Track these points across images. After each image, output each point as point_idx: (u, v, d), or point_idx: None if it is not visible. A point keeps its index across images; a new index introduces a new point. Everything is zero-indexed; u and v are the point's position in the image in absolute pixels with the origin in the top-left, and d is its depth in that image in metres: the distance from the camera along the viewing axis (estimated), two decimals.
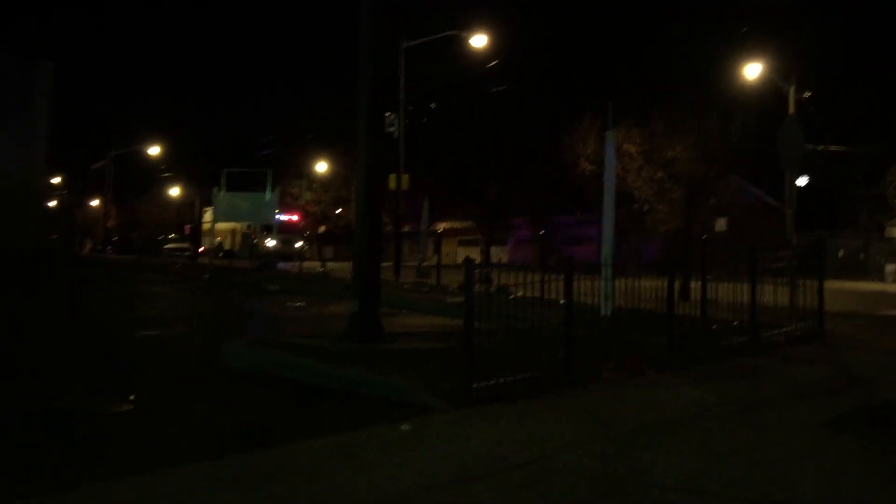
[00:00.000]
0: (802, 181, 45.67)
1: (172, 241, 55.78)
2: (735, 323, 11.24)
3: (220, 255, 38.49)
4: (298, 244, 46.09)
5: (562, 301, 8.33)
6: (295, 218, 54.43)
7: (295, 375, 8.53)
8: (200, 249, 46.56)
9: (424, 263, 25.92)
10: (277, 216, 47.32)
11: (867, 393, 7.54)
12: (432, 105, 28.93)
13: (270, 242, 46.20)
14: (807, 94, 36.57)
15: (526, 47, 44.04)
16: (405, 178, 27.93)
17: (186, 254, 44.72)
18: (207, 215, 47.64)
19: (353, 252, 10.93)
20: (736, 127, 14.77)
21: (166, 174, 66.62)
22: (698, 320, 11.39)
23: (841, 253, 41.06)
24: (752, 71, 33.85)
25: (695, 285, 11.86)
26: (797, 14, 34.26)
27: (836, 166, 41.42)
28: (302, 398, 7.81)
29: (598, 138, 39.67)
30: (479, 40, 27.34)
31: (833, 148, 38.39)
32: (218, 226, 44.48)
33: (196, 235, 47.95)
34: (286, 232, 50.89)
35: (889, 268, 39.53)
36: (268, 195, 26.12)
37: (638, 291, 10.07)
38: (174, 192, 72.21)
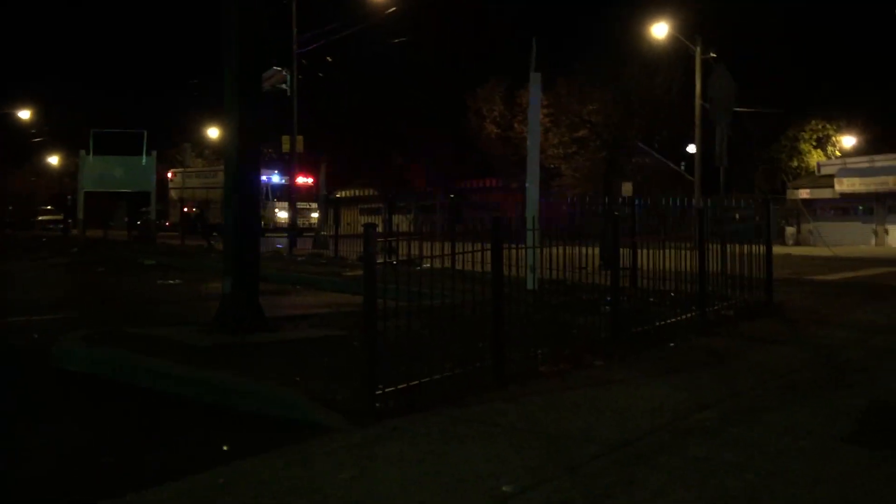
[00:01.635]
0: (691, 148, 45.60)
1: (47, 213, 51.37)
2: (672, 294, 9.82)
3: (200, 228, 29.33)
4: (314, 215, 36.15)
5: (481, 273, 6.61)
6: (310, 181, 41.66)
7: (144, 381, 6.51)
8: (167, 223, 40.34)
9: (322, 233, 23.83)
10: (282, 179, 41.30)
11: (866, 384, 6.10)
12: (328, 59, 26.62)
13: (282, 213, 38.72)
14: (712, 55, 36.16)
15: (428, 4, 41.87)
16: (299, 139, 25.65)
17: (60, 227, 40.63)
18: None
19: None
20: (721, 130, 13.26)
21: (37, 139, 61.51)
22: (631, 292, 9.89)
23: (737, 216, 41.10)
24: (660, 30, 33.07)
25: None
26: None
27: (732, 130, 41.28)
28: (148, 417, 5.82)
29: (504, 100, 38.23)
30: None
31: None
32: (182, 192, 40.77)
33: (73, 206, 42.17)
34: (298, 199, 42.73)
35: (789, 230, 39.74)
36: (143, 159, 23.39)
37: (557, 261, 8.35)
38: (53, 160, 67.13)
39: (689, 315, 8.99)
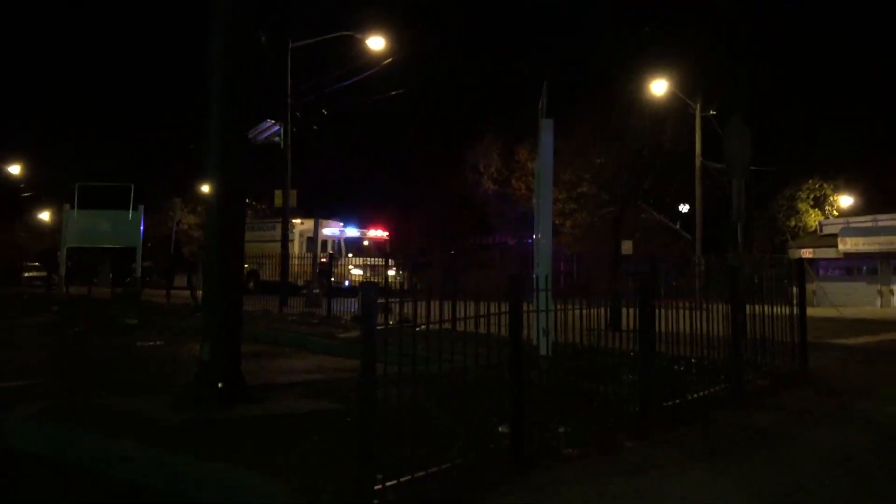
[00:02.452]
0: (685, 207, 45.13)
1: (32, 268, 50.26)
2: (693, 360, 8.88)
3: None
4: (391, 272, 31.99)
5: (486, 335, 5.72)
6: (384, 234, 38.60)
7: (100, 466, 5.55)
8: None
9: (315, 290, 22.89)
10: (357, 233, 38.10)
11: None
12: (324, 112, 26.03)
13: (356, 271, 33.76)
14: (712, 112, 35.84)
15: (427, 57, 41.76)
16: (293, 194, 24.89)
17: (43, 283, 39.34)
18: None
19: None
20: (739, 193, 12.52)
21: (27, 194, 60.80)
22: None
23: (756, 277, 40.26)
24: (659, 87, 32.72)
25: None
26: (708, 33, 33.31)
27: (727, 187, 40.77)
28: None
29: (502, 156, 37.74)
30: (376, 42, 24.65)
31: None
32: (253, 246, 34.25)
33: (53, 260, 40.04)
34: (370, 254, 35.87)
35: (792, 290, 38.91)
36: (130, 214, 22.54)
37: (565, 322, 7.39)
38: (45, 216, 66.28)
39: (722, 386, 8.06)
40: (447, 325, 6.47)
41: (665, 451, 5.89)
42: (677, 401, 7.33)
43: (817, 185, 44.36)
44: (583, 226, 33.73)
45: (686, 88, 32.08)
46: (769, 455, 5.74)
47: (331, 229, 37.55)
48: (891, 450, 5.83)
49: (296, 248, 35.97)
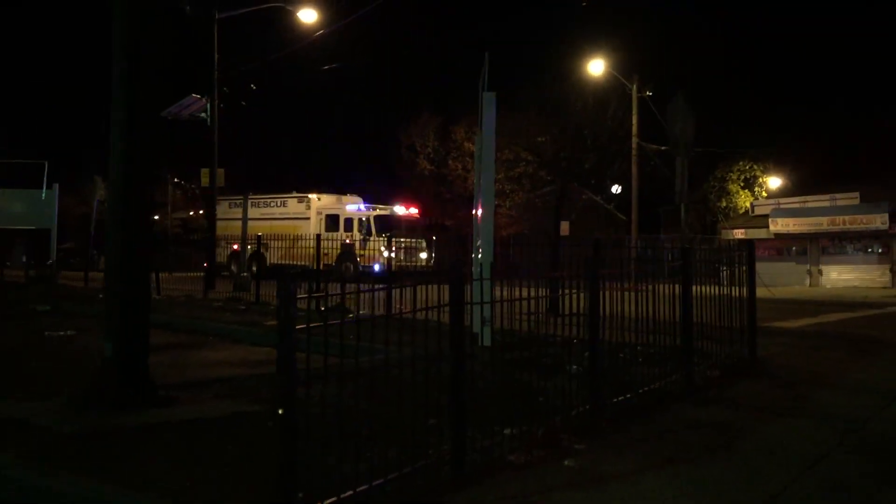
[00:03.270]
0: (617, 188, 45.27)
1: None
2: (639, 347, 8.39)
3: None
4: (423, 255, 29.59)
5: (424, 322, 5.10)
6: (414, 211, 34.40)
7: None
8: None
9: (244, 273, 21.90)
10: (388, 211, 33.47)
11: None
12: (253, 87, 24.90)
13: (386, 253, 29.41)
14: (648, 94, 35.76)
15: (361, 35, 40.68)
16: (220, 173, 23.80)
17: None
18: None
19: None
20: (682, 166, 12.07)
21: None
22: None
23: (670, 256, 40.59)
24: (596, 67, 32.42)
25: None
26: (643, 14, 33.19)
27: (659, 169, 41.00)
28: None
29: (438, 136, 37.07)
30: (307, 15, 23.58)
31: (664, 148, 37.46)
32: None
33: None
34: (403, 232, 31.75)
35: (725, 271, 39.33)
36: (44, 193, 21.14)
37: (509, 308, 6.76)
38: None
39: (672, 378, 7.60)
40: (392, 312, 5.84)
41: (619, 456, 5.37)
42: (628, 395, 6.83)
43: (747, 167, 44.96)
44: (521, 206, 33.33)
45: (624, 68, 31.91)
46: (731, 459, 5.26)
47: (354, 205, 33.66)
48: (859, 450, 5.41)
49: (311, 226, 31.90)
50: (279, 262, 23.94)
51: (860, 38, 62.22)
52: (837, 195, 38.26)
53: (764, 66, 61.69)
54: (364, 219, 32.15)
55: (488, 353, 8.08)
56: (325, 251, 21.67)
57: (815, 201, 38.66)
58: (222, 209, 31.49)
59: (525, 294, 6.37)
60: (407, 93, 41.57)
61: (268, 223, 31.45)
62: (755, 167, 45.38)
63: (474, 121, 34.37)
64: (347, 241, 29.45)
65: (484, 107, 8.82)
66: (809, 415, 6.56)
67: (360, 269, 28.78)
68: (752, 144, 43.72)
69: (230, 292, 19.57)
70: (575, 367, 7.09)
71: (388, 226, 31.68)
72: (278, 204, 35.11)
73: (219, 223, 28.35)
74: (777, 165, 45.88)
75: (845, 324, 15.06)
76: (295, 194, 34.69)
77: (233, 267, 28.71)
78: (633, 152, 33.65)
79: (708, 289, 8.78)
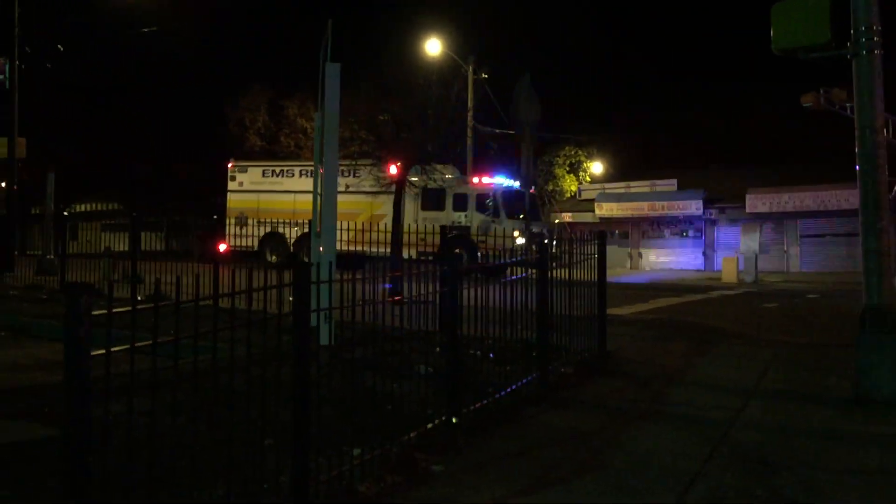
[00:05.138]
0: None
1: None
2: (490, 342, 7.84)
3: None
4: (520, 240, 23.96)
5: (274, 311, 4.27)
6: (515, 184, 26.08)
7: None
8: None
9: (49, 256, 19.75)
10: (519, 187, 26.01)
11: (806, 495, 4.47)
12: (60, 47, 22.42)
13: (520, 240, 24.02)
14: (484, 76, 35.81)
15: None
16: (21, 142, 21.30)
17: None
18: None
19: None
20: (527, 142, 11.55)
21: None
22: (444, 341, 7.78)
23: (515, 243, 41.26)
24: (433, 47, 32.06)
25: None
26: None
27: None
28: None
29: (270, 111, 35.40)
30: None
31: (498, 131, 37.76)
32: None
33: None
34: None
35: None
36: None
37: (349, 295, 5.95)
38: None
39: (528, 378, 7.11)
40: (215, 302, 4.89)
41: (482, 478, 4.76)
42: (485, 401, 6.25)
43: (573, 152, 46.26)
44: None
45: (461, 50, 31.71)
46: (605, 478, 4.77)
47: (459, 176, 26.62)
48: (733, 463, 5.08)
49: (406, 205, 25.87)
50: (347, 248, 19.89)
51: (683, 33, 65.73)
52: (657, 181, 40.14)
53: (590, 54, 63.83)
54: (489, 196, 25.11)
55: (328, 354, 7.28)
56: (422, 235, 18.36)
57: (637, 187, 40.35)
58: (250, 178, 26.09)
59: (366, 280, 5.52)
60: (236, 63, 39.42)
61: (293, 197, 24.91)
62: (580, 152, 46.77)
63: (309, 96, 32.96)
64: (459, 222, 24.16)
65: (327, 79, 7.94)
66: (672, 418, 6.24)
67: (480, 258, 22.19)
68: (577, 131, 45.02)
69: (34, 277, 17.49)
70: (425, 367, 6.45)
71: (513, 206, 25.27)
72: (344, 174, 26.61)
73: (242, 196, 24.62)
74: (601, 151, 47.54)
75: (677, 310, 15.40)
76: (369, 162, 27.64)
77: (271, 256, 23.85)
78: (469, 132, 33.59)
79: (558, 272, 8.36)
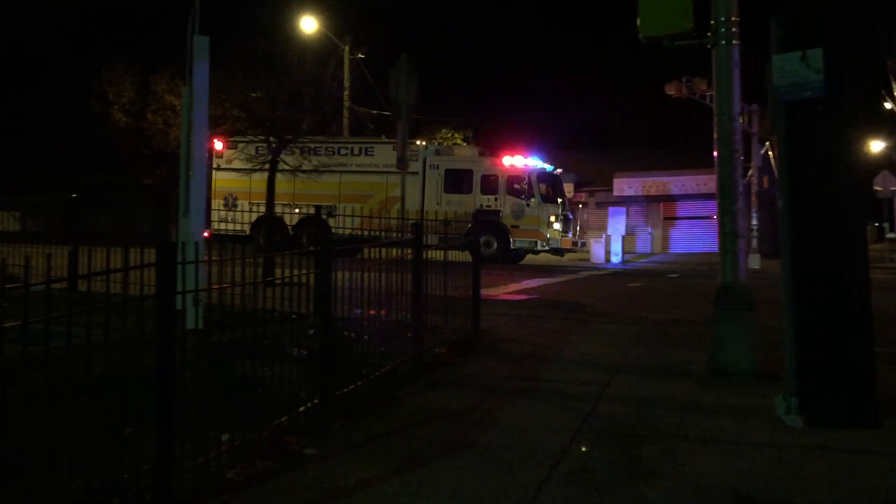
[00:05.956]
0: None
1: None
2: (365, 322, 7.80)
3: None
4: (557, 225, 23.97)
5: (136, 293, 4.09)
6: (556, 170, 26.31)
7: None
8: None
9: None
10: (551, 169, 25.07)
11: (668, 469, 4.67)
12: None
13: (558, 225, 23.99)
14: (361, 56, 35.49)
15: None
16: None
17: None
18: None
19: None
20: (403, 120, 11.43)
21: None
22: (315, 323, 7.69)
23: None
24: (308, 25, 31.49)
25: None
26: None
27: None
28: None
29: (136, 86, 33.84)
30: None
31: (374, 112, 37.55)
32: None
33: None
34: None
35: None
36: None
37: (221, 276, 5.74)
38: None
39: (403, 358, 7.11)
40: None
41: (356, 460, 4.72)
42: (359, 383, 6.21)
43: (449, 135, 46.69)
44: None
45: (339, 29, 31.33)
46: (477, 455, 4.82)
47: (466, 156, 25.41)
48: (600, 438, 5.25)
49: (420, 183, 23.59)
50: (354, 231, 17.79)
51: (562, 19, 67.21)
52: None
53: (471, 40, 64.37)
54: (524, 177, 23.63)
55: (196, 338, 7.03)
56: (447, 218, 16.64)
57: None
58: (240, 156, 22.19)
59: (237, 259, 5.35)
60: (101, 36, 37.47)
61: (327, 177, 21.94)
62: (456, 135, 47.24)
63: (177, 71, 31.66)
64: (489, 206, 22.71)
65: (195, 53, 7.63)
66: (543, 395, 6.39)
67: (513, 246, 22.29)
68: (454, 113, 45.51)
69: None
70: (297, 350, 6.35)
71: (550, 188, 24.57)
72: (355, 151, 25.03)
73: (230, 175, 21.70)
74: (477, 135, 48.21)
75: (549, 290, 15.82)
76: (385, 140, 25.16)
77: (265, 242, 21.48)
78: (346, 112, 33.27)
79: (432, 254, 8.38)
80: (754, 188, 28.64)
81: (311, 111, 13.56)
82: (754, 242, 27.09)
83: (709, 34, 7.20)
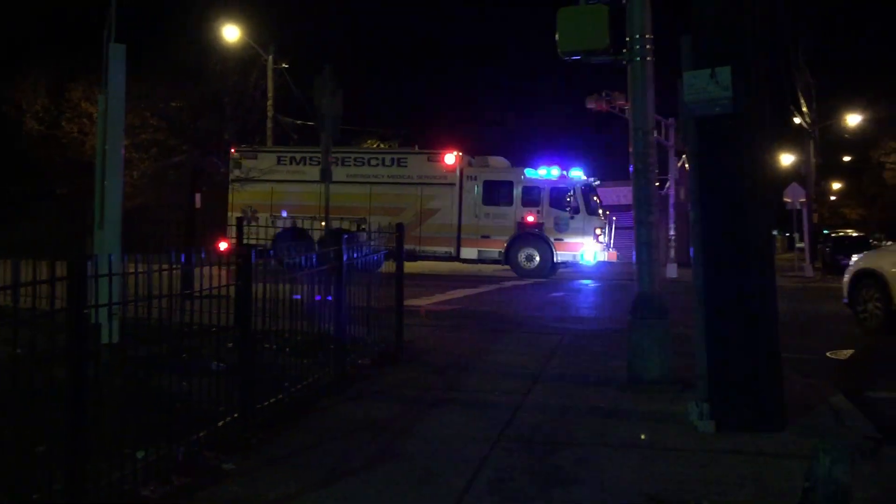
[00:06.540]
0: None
1: None
2: (286, 335, 7.71)
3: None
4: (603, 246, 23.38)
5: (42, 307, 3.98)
6: (592, 179, 25.57)
7: None
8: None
9: None
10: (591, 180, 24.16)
11: (586, 476, 4.78)
12: None
13: (602, 238, 23.60)
14: (285, 65, 35.16)
15: None
16: None
17: None
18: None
19: None
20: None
21: None
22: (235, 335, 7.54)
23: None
24: (231, 33, 31.06)
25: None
26: None
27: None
28: None
29: (51, 93, 32.80)
30: None
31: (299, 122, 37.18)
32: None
33: None
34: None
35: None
36: None
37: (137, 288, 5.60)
38: None
39: (324, 370, 7.08)
40: None
41: (277, 474, 4.69)
42: (280, 396, 6.15)
43: (375, 145, 46.70)
44: (150, 176, 30.83)
45: (262, 38, 31.02)
46: (401, 466, 4.85)
47: (503, 167, 24.56)
48: (519, 447, 5.33)
49: (457, 195, 22.74)
50: (420, 246, 16.31)
51: (489, 33, 67.90)
52: None
53: (398, 51, 64.52)
54: (569, 189, 22.94)
55: (110, 353, 6.86)
56: (486, 233, 15.32)
57: None
58: (260, 166, 21.50)
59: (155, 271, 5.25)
60: (13, 41, 36.14)
61: (357, 188, 22.07)
62: (382, 146, 47.26)
63: (94, 79, 30.98)
64: (531, 218, 21.99)
65: (111, 61, 7.47)
66: (464, 404, 6.45)
67: (557, 260, 21.71)
68: (381, 124, 45.54)
69: None
70: (216, 363, 6.26)
71: (593, 201, 23.87)
72: (386, 162, 24.03)
73: (250, 187, 20.28)
74: (403, 145, 48.37)
75: (473, 300, 15.97)
76: (419, 150, 24.84)
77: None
78: (269, 123, 32.90)
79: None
80: (671, 200, 29.40)
81: (233, 120, 13.39)
82: (672, 252, 27.79)
83: (624, 51, 7.41)
